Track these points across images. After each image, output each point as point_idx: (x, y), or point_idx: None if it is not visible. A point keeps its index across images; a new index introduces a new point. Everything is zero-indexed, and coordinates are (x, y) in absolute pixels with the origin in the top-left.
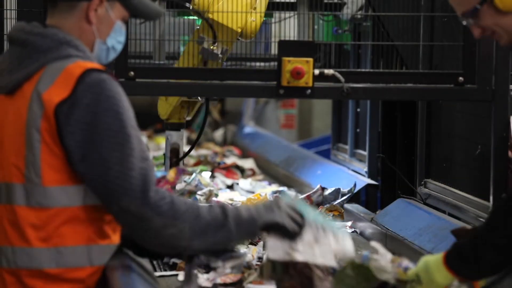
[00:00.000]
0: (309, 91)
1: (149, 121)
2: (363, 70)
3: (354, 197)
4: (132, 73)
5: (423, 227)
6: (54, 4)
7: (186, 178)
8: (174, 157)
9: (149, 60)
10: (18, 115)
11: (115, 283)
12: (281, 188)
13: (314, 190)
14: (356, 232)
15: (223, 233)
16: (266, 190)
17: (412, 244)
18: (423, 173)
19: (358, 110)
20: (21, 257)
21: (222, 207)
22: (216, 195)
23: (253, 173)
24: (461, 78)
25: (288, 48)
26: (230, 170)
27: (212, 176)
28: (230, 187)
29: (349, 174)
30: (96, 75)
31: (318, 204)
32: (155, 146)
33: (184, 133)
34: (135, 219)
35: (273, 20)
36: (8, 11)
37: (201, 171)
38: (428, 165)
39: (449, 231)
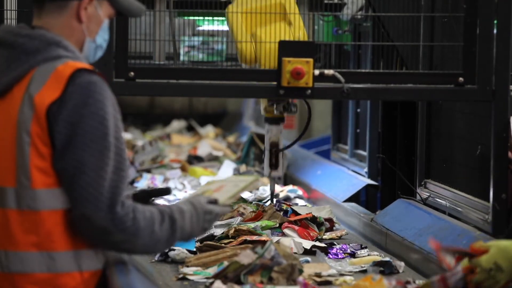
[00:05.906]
0: (309, 91)
1: (149, 121)
2: (363, 70)
3: (354, 197)
4: (132, 73)
5: (423, 227)
6: (41, 5)
7: (257, 248)
8: (274, 148)
9: (149, 60)
10: (8, 118)
11: (115, 282)
12: (386, 259)
13: (453, 272)
14: None
15: (167, 245)
16: (365, 260)
17: (412, 244)
18: (423, 174)
19: (358, 110)
20: (13, 261)
21: (171, 218)
22: (301, 271)
23: (332, 226)
24: (461, 79)
25: (288, 48)
26: (304, 223)
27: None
28: (311, 251)
29: (349, 175)
30: (87, 76)
31: None
32: (195, 181)
33: (281, 128)
34: (95, 230)
35: None
36: (8, 11)
37: (268, 227)
38: (428, 165)
39: (448, 231)
